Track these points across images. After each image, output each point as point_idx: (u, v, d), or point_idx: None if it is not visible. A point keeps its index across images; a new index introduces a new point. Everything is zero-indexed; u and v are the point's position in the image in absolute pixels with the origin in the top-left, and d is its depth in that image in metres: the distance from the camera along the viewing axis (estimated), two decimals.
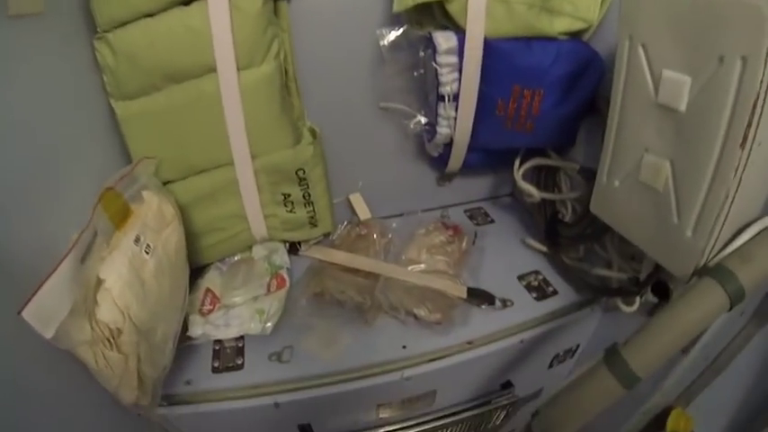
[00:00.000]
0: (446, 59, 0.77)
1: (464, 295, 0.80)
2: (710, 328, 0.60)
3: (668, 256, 0.58)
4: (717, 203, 0.48)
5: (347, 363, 0.74)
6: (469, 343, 0.77)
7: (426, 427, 0.84)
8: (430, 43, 0.77)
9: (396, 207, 1.04)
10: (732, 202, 0.48)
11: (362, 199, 1.00)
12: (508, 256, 0.92)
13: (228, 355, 0.76)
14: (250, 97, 0.75)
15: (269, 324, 0.78)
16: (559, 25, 0.76)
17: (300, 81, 0.85)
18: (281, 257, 0.90)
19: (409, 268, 0.85)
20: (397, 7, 0.75)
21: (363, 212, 0.98)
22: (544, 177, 0.91)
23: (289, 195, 0.86)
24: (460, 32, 0.76)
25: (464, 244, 0.90)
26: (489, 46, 0.76)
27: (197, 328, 0.77)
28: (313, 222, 0.90)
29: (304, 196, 0.86)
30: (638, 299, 0.72)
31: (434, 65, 0.78)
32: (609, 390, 0.51)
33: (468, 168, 0.96)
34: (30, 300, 0.44)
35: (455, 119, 0.84)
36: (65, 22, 0.64)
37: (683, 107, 0.50)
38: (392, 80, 0.86)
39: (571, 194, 0.85)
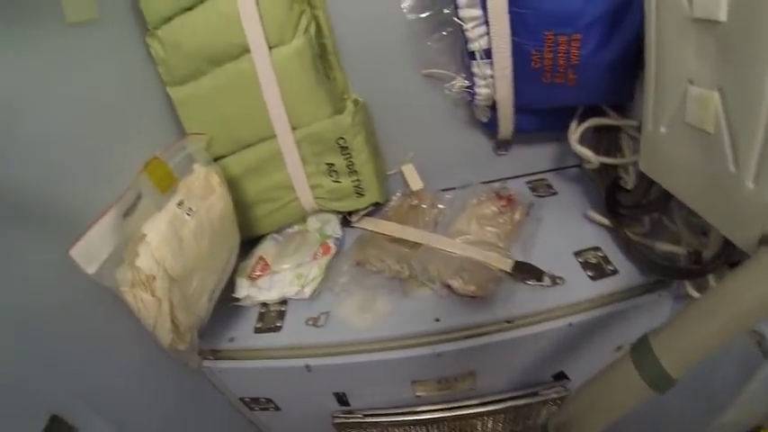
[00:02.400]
0: (469, 13, 0.75)
1: (508, 269, 0.77)
2: None
3: (727, 219, 0.49)
4: None
5: (378, 332, 0.77)
6: (509, 322, 0.73)
7: (466, 412, 0.83)
8: None
9: (452, 179, 1.02)
10: None
11: (415, 170, 1.01)
12: (566, 230, 0.86)
13: (271, 318, 0.84)
14: (284, 72, 0.82)
15: (307, 288, 0.85)
16: None
17: (342, 54, 0.90)
18: (333, 228, 0.96)
19: (457, 239, 0.85)
20: None
21: (415, 183, 0.99)
22: (606, 140, 0.83)
23: (332, 165, 0.91)
24: None
25: (517, 215, 0.86)
26: None
27: (242, 291, 0.87)
28: (359, 192, 0.94)
29: (348, 166, 0.90)
30: (712, 283, 0.62)
31: (458, 20, 0.76)
32: (634, 390, 0.44)
33: (523, 134, 0.92)
34: (75, 243, 0.57)
35: (492, 77, 0.80)
36: (119, 24, 0.80)
37: (722, 16, 0.42)
38: (425, 44, 0.85)
39: (633, 158, 0.76)
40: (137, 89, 0.84)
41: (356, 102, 0.90)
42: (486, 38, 0.77)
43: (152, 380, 0.76)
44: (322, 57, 0.86)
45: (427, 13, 0.82)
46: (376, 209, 0.99)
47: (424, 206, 0.94)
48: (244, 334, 0.84)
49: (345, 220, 1.00)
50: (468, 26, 0.76)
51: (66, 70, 0.67)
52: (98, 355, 0.67)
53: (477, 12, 0.75)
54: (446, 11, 0.79)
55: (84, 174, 0.68)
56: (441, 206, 0.94)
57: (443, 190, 1.00)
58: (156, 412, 0.76)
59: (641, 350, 0.44)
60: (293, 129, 0.87)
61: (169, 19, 0.81)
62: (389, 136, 0.99)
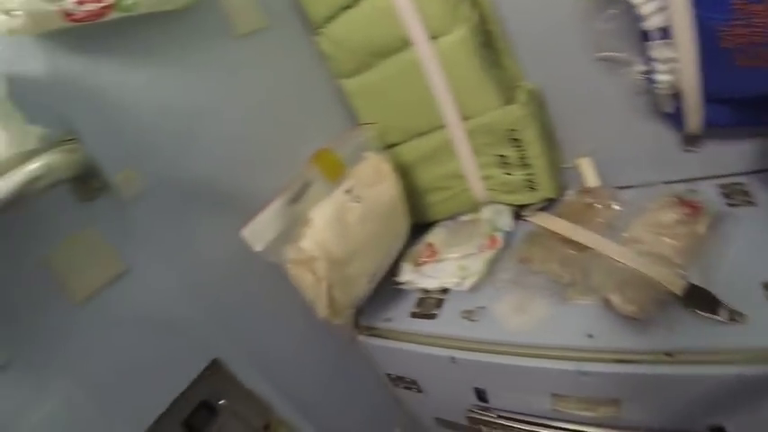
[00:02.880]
0: None
1: (679, 291, 0.68)
2: None
3: None
4: None
5: (528, 337, 0.78)
6: (668, 355, 0.66)
7: None
8: None
9: (632, 176, 0.93)
10: None
11: (592, 164, 0.94)
12: (760, 254, 0.70)
13: (429, 305, 0.93)
14: (449, 63, 0.86)
15: (467, 281, 0.90)
16: None
17: (512, 40, 0.89)
18: (504, 220, 0.98)
19: (627, 247, 0.78)
20: None
21: (591, 179, 0.94)
22: None
23: (504, 157, 0.92)
24: None
25: (701, 227, 0.74)
26: None
27: (406, 275, 0.97)
28: (531, 186, 0.93)
29: (520, 158, 0.91)
30: None
31: None
32: None
33: (716, 128, 0.78)
34: (246, 225, 0.76)
35: (673, 61, 0.70)
36: (286, 27, 0.95)
37: None
38: (596, 25, 0.77)
39: None
40: (309, 84, 1.00)
41: (528, 91, 0.90)
42: (662, 13, 0.67)
43: (309, 343, 0.95)
44: (489, 44, 0.87)
45: None
46: (549, 204, 0.96)
47: (599, 206, 0.88)
48: (400, 316, 0.95)
49: (518, 213, 0.99)
50: (638, 1, 0.67)
51: (242, 74, 0.87)
52: (264, 316, 0.88)
53: None
54: None
55: (261, 164, 0.88)
56: (616, 207, 0.87)
57: (621, 188, 0.92)
58: (308, 372, 0.94)
59: None
60: (464, 119, 0.92)
61: (331, 18, 0.92)
62: (565, 126, 0.95)
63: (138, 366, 0.75)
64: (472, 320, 0.85)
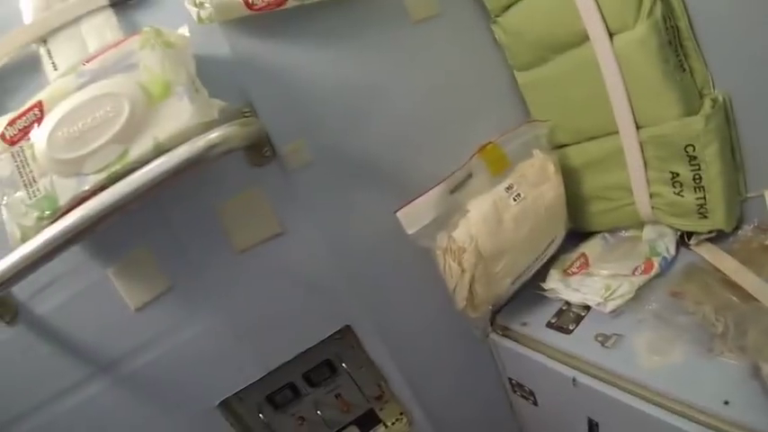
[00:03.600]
0: None
1: None
2: None
3: None
4: None
5: (657, 381, 0.73)
6: None
7: None
8: None
9: None
10: None
11: None
12: None
13: (567, 318, 0.91)
14: (627, 62, 0.81)
15: (610, 303, 0.86)
16: None
17: (701, 38, 0.78)
18: (666, 245, 0.91)
19: None
20: None
21: None
22: None
23: (677, 175, 0.84)
24: None
25: None
26: None
27: (551, 282, 0.96)
28: (702, 212, 0.84)
29: (694, 178, 0.82)
30: None
31: None
32: None
33: None
34: (402, 207, 0.85)
35: None
36: (459, 14, 0.98)
37: None
38: None
39: None
40: (482, 72, 1.03)
41: (715, 101, 0.79)
42: None
43: (438, 331, 1.01)
44: (674, 43, 0.79)
45: None
46: (720, 236, 0.86)
47: None
48: (536, 323, 0.95)
49: (683, 239, 0.91)
50: None
51: (415, 59, 0.94)
52: (401, 295, 0.97)
53: None
54: None
55: (425, 149, 0.95)
56: None
57: None
58: (431, 358, 1.02)
59: None
60: (638, 127, 0.86)
61: (508, 6, 0.92)
62: (756, 148, 0.81)
63: (277, 316, 0.90)
64: (605, 346, 0.82)
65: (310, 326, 0.91)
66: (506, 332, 0.98)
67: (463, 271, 0.85)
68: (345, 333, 0.93)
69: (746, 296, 0.74)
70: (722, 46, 0.79)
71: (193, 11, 0.79)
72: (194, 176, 0.71)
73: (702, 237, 0.88)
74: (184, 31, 0.78)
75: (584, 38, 0.83)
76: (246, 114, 0.84)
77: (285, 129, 0.85)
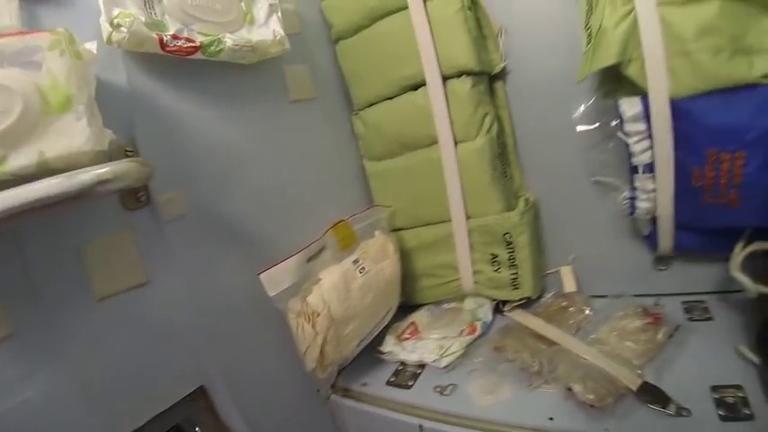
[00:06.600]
0: (634, 127, 0.86)
1: (634, 387, 0.80)
2: None
3: None
4: None
5: (494, 414, 0.87)
6: None
7: None
8: (617, 112, 0.87)
9: (608, 287, 1.08)
10: None
11: (572, 273, 1.11)
12: (710, 361, 0.84)
13: (404, 376, 1.02)
14: (466, 166, 1.04)
15: (444, 359, 1.01)
16: (762, 66, 0.74)
17: (521, 153, 1.11)
18: (484, 312, 1.12)
19: (593, 347, 0.90)
20: (578, 78, 0.90)
21: (570, 285, 1.09)
22: None
23: (496, 256, 1.07)
24: (646, 97, 0.84)
25: (660, 335, 0.88)
26: (676, 107, 0.81)
27: (388, 346, 1.07)
28: (515, 285, 1.08)
29: (509, 259, 1.06)
30: None
31: (622, 134, 0.87)
32: None
33: (683, 251, 0.96)
34: (266, 270, 0.88)
35: (653, 191, 0.89)
36: (331, 103, 1.16)
37: None
38: (594, 153, 0.97)
39: None
40: (339, 157, 1.18)
41: (527, 201, 1.08)
42: (649, 152, 0.87)
43: (289, 394, 1.03)
44: (502, 154, 1.07)
45: (596, 125, 0.95)
46: (528, 302, 1.10)
47: (572, 309, 1.03)
48: (376, 383, 1.03)
49: (498, 306, 1.13)
50: (632, 140, 0.87)
51: (287, 134, 1.05)
52: (255, 357, 0.97)
53: (642, 126, 0.86)
54: (613, 123, 0.90)
55: (290, 218, 1.03)
56: (588, 311, 1.02)
57: (596, 296, 1.07)
58: (282, 421, 1.00)
59: None
60: (468, 217, 1.08)
61: (372, 104, 1.12)
62: (554, 236, 1.14)
63: (131, 375, 0.82)
64: (444, 395, 0.94)
65: (165, 386, 0.85)
66: (348, 393, 1.03)
67: (316, 333, 0.91)
68: (200, 395, 0.88)
69: (552, 343, 0.96)
70: (534, 161, 1.12)
71: (107, 29, 0.76)
72: (67, 210, 0.67)
73: (514, 304, 1.11)
74: (92, 47, 0.74)
75: (433, 141, 1.06)
76: (129, 153, 0.81)
77: (164, 176, 0.83)
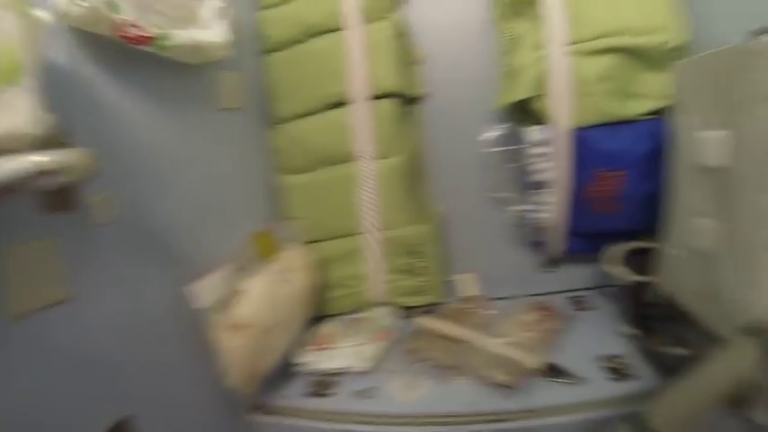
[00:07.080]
0: (538, 150, 1.04)
1: (540, 367, 0.93)
2: None
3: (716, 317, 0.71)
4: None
5: (418, 408, 0.93)
6: (532, 411, 0.88)
7: None
8: (521, 137, 1.06)
9: (506, 290, 1.26)
10: None
11: (474, 279, 1.26)
12: (596, 340, 1.03)
13: (323, 385, 1.04)
14: (382, 182, 1.13)
15: (362, 364, 1.05)
16: (641, 107, 0.98)
17: (431, 170, 1.24)
18: (392, 319, 1.18)
19: (498, 340, 1.03)
20: (495, 106, 1.10)
21: (472, 290, 1.24)
22: (640, 261, 1.02)
23: (407, 265, 1.17)
24: (550, 126, 1.03)
25: (555, 324, 1.05)
26: (573, 135, 1.00)
27: (305, 358, 1.09)
28: (423, 291, 1.19)
29: (419, 267, 1.16)
30: None
31: (527, 156, 1.05)
32: None
33: (573, 255, 1.17)
34: (195, 282, 0.87)
35: (551, 205, 1.07)
36: (255, 115, 1.19)
37: (721, 163, 0.67)
38: (499, 171, 1.15)
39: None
40: (259, 168, 1.20)
41: (436, 214, 1.20)
42: (549, 171, 1.04)
43: (206, 415, 0.96)
44: (414, 173, 1.18)
45: (499, 148, 1.13)
46: (435, 307, 1.21)
47: (476, 310, 1.15)
48: (296, 395, 1.04)
49: (407, 312, 1.21)
50: (536, 161, 1.05)
51: (214, 142, 1.05)
52: (176, 380, 0.88)
53: (545, 150, 1.04)
54: (515, 147, 1.09)
55: (214, 227, 1.01)
56: (490, 311, 1.15)
57: (496, 299, 1.22)
58: None
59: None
60: (379, 230, 1.16)
61: (297, 117, 1.17)
62: (459, 246, 1.30)
63: (45, 411, 0.65)
64: (366, 398, 0.98)
65: (81, 425, 0.70)
66: (268, 409, 1.02)
67: (244, 346, 0.91)
68: (122, 426, 0.76)
69: (459, 341, 1.05)
70: (442, 178, 1.28)
71: (64, 3, 0.69)
72: None
73: (422, 309, 1.19)
74: (44, 15, 0.64)
75: (352, 157, 1.13)
76: (63, 144, 0.63)
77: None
